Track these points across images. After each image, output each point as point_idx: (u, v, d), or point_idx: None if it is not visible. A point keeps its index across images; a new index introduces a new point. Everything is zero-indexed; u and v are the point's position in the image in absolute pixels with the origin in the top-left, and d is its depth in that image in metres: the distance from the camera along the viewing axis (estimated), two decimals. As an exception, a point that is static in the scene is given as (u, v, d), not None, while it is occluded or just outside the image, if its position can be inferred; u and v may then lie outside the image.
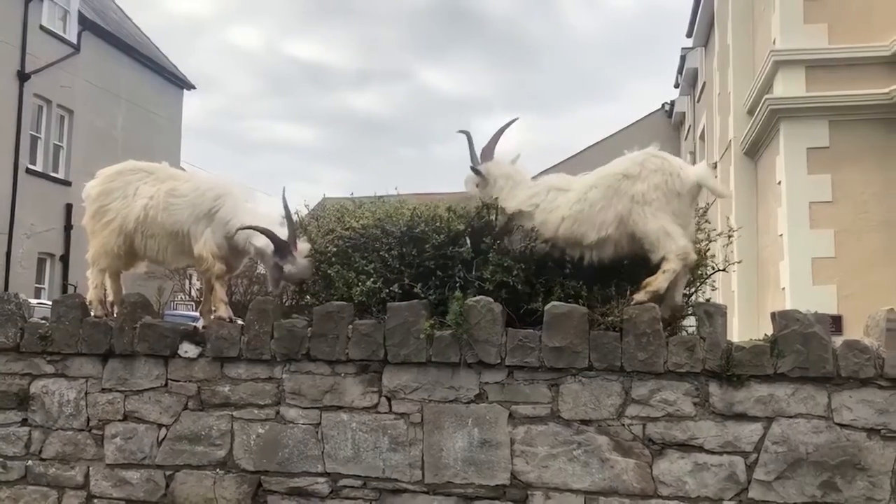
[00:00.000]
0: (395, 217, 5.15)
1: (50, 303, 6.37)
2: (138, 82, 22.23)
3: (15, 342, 5.27)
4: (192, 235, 5.20)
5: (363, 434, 4.78)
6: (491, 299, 4.65)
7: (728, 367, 4.41)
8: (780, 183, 9.97)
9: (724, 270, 5.63)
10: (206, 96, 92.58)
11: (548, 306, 4.59)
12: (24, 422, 5.24)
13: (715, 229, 5.69)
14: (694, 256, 4.70)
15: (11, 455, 5.22)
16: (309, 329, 4.88)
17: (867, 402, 4.33)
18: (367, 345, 4.78)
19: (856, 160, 9.42)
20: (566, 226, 4.78)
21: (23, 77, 18.00)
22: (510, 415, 4.63)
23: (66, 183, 19.12)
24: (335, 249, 5.11)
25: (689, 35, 17.74)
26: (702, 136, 17.56)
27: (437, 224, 4.99)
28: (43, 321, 5.40)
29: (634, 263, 4.81)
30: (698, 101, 18.46)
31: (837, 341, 4.46)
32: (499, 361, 4.62)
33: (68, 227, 18.95)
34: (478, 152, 5.22)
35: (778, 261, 10.12)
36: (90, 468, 5.12)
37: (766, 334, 4.59)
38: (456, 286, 4.79)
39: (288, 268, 4.94)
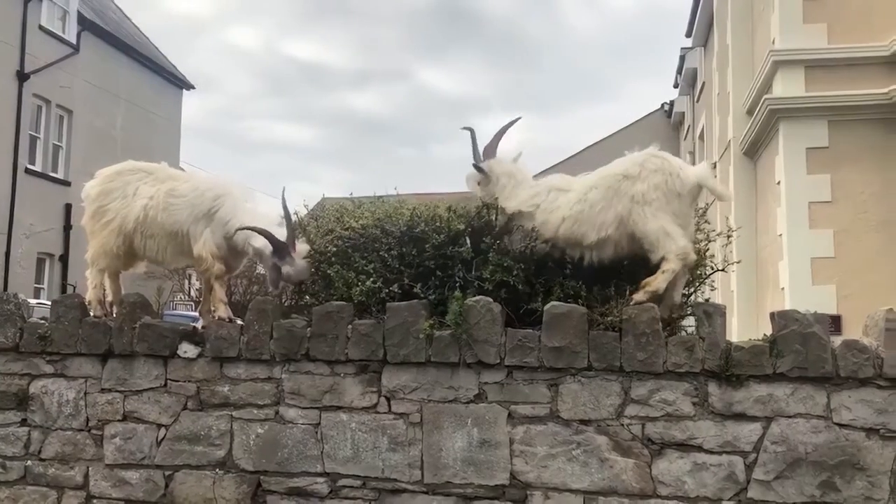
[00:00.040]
0: (395, 217, 5.15)
1: (49, 303, 6.36)
2: (137, 82, 22.23)
3: (14, 342, 5.26)
4: (192, 235, 5.19)
5: (362, 434, 4.78)
6: (490, 299, 4.65)
7: (727, 367, 4.41)
8: (779, 183, 9.97)
9: (723, 270, 5.64)
10: (206, 96, 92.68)
11: (547, 306, 4.59)
12: (24, 422, 5.24)
13: (714, 229, 5.69)
14: (693, 257, 4.71)
15: (11, 455, 5.22)
16: (308, 329, 4.88)
17: (866, 401, 4.34)
18: (367, 345, 4.78)
19: (855, 160, 9.43)
20: (566, 226, 4.79)
21: (22, 77, 17.99)
22: (509, 415, 4.63)
23: (66, 183, 19.12)
24: (335, 249, 5.11)
25: (688, 35, 17.74)
26: (701, 136, 17.57)
27: (437, 224, 4.99)
28: (42, 321, 5.39)
29: (634, 263, 4.81)
30: (697, 101, 18.46)
31: (836, 341, 4.46)
32: (498, 361, 4.63)
33: (67, 227, 18.95)
34: (480, 151, 5.22)
35: (777, 261, 10.12)
36: (89, 468, 5.12)
37: (765, 334, 4.59)
38: (455, 286, 4.79)
39: (286, 269, 4.94)
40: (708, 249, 5.28)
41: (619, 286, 4.71)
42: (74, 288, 16.74)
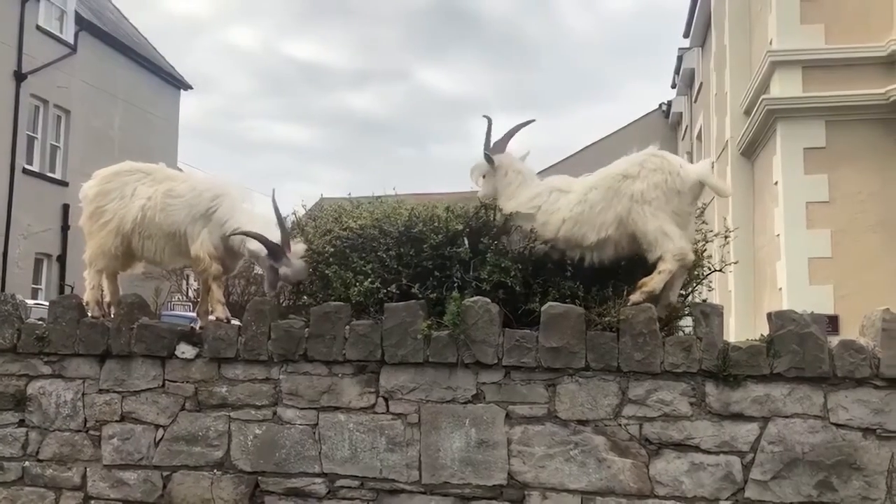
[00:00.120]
0: (393, 217, 5.15)
1: (47, 303, 6.36)
2: (135, 82, 22.22)
3: (12, 343, 5.26)
4: (189, 236, 5.20)
5: (360, 434, 4.78)
6: (488, 300, 4.65)
7: (724, 368, 4.42)
8: (776, 183, 9.99)
9: (720, 271, 5.64)
10: (204, 96, 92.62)
11: (545, 307, 4.60)
12: (21, 423, 5.24)
13: (712, 230, 5.70)
14: (692, 257, 4.71)
15: (8, 456, 5.21)
16: (306, 330, 4.88)
17: (863, 401, 4.35)
18: (365, 345, 4.78)
19: (852, 160, 9.45)
20: (567, 227, 4.78)
21: (19, 77, 17.97)
22: (507, 415, 4.63)
23: (63, 183, 19.10)
24: (333, 250, 5.11)
25: (686, 35, 17.76)
26: (699, 137, 17.58)
27: (435, 224, 4.99)
28: (40, 322, 5.39)
29: (631, 264, 4.82)
30: (695, 101, 18.48)
31: (833, 341, 4.47)
32: (496, 362, 4.63)
33: (65, 228, 18.94)
34: (490, 145, 5.18)
35: (775, 261, 10.14)
36: (87, 469, 5.11)
37: (762, 334, 4.60)
38: (453, 286, 4.79)
39: (283, 270, 4.95)
40: (705, 250, 5.28)
41: (616, 287, 4.72)
42: (72, 288, 16.73)
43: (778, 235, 9.92)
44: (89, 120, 20.29)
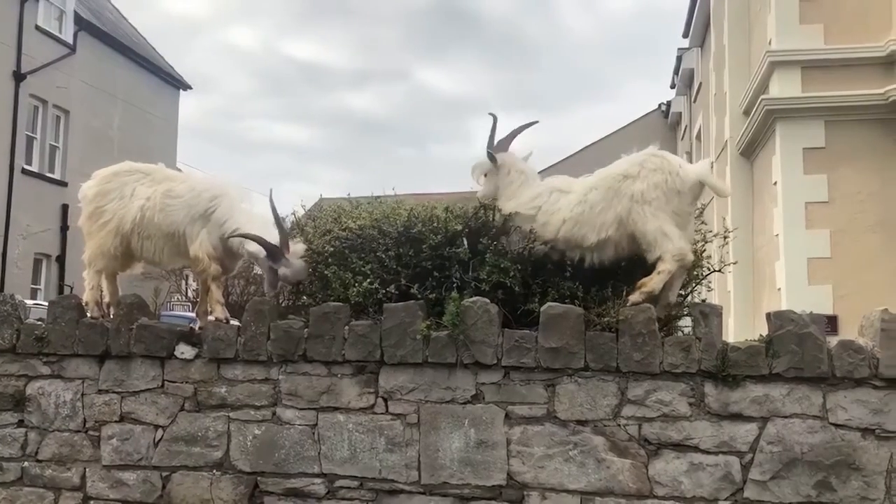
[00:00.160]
0: (392, 217, 5.15)
1: (46, 304, 6.36)
2: (134, 83, 22.21)
3: (11, 343, 5.26)
4: (188, 236, 5.20)
5: (360, 435, 4.78)
6: (487, 300, 4.65)
7: (723, 368, 4.42)
8: (776, 183, 9.99)
9: (719, 271, 5.64)
10: (204, 96, 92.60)
11: (544, 307, 4.60)
12: (21, 423, 5.24)
13: (711, 230, 5.70)
14: (691, 258, 4.71)
15: (7, 456, 5.21)
16: (305, 330, 4.88)
17: (862, 402, 4.35)
18: (364, 346, 4.78)
19: (852, 160, 9.46)
20: (567, 228, 4.78)
21: (19, 77, 17.97)
22: (506, 415, 4.64)
23: (63, 183, 19.10)
24: (332, 250, 5.11)
25: (685, 35, 17.77)
26: (698, 137, 17.59)
27: (434, 224, 4.99)
28: (39, 322, 5.39)
29: (631, 264, 4.82)
30: (695, 101, 18.48)
31: (832, 341, 4.47)
32: (495, 362, 4.63)
33: (65, 228, 18.93)
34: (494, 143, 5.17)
35: (774, 261, 10.15)
36: (87, 469, 5.11)
37: (761, 335, 4.60)
38: (453, 287, 4.79)
39: (282, 270, 4.95)
40: (704, 250, 5.29)
41: (616, 287, 4.72)
42: (71, 289, 16.73)
43: (777, 235, 9.92)
44: (88, 120, 20.29)
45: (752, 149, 11.59)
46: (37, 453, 5.19)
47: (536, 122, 5.42)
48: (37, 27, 18.60)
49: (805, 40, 9.75)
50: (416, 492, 4.70)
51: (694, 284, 5.22)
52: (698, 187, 4.71)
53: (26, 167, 18.40)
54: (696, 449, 4.44)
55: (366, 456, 4.76)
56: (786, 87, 9.87)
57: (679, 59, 19.69)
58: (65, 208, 18.75)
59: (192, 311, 7.22)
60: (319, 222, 5.56)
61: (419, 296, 4.81)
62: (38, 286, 18.78)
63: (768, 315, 4.59)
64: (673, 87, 21.49)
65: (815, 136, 9.63)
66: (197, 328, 5.28)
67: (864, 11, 9.66)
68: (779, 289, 9.80)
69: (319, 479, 4.82)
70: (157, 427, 5.05)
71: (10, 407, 5.25)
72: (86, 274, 5.51)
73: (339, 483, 4.80)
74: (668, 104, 22.04)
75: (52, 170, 19.43)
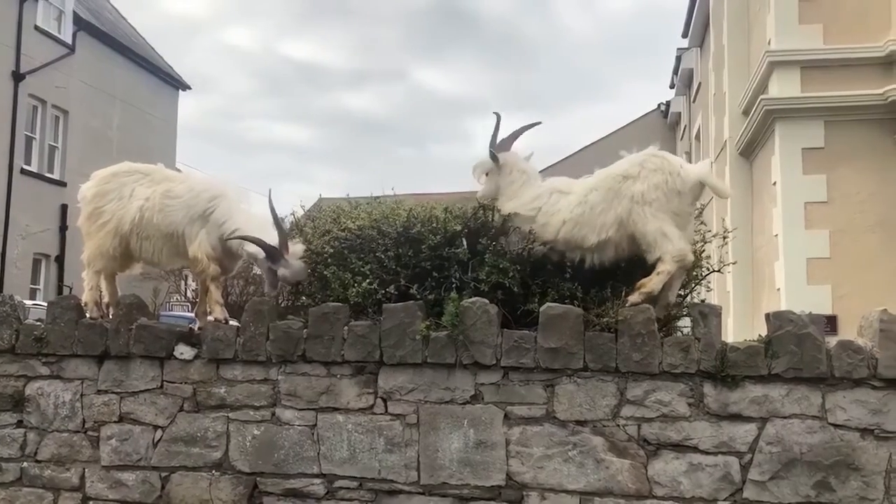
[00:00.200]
0: (392, 218, 5.15)
1: (45, 304, 6.35)
2: (133, 83, 22.21)
3: (10, 344, 5.26)
4: (187, 237, 5.19)
5: (359, 435, 4.78)
6: (487, 301, 4.65)
7: (723, 368, 4.42)
8: (775, 183, 10.00)
9: (718, 271, 5.64)
10: (203, 97, 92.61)
11: (543, 307, 4.60)
12: (20, 423, 5.23)
13: (710, 230, 5.70)
14: (691, 258, 4.71)
15: (7, 457, 5.21)
16: (305, 330, 4.88)
17: (861, 402, 4.35)
18: (363, 346, 4.78)
19: (851, 160, 9.46)
20: (567, 229, 4.77)
21: (17, 77, 17.97)
22: (506, 416, 4.63)
23: (62, 183, 19.10)
24: (331, 250, 5.11)
25: (684, 35, 17.78)
26: (697, 137, 17.59)
27: (434, 225, 4.98)
28: (38, 323, 5.39)
29: (630, 265, 4.82)
30: (694, 101, 18.49)
31: (831, 342, 4.47)
32: (494, 362, 4.63)
33: (64, 228, 18.93)
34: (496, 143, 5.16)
35: (773, 261, 10.15)
36: (86, 470, 5.11)
37: (760, 335, 4.60)
38: (452, 287, 4.79)
39: (282, 271, 4.94)
40: (704, 250, 5.29)
41: (615, 287, 4.72)
42: (71, 289, 16.71)
43: (776, 236, 9.93)
44: (87, 120, 20.29)
45: (751, 149, 11.59)
46: (36, 454, 5.19)
47: (539, 122, 5.41)
48: (36, 27, 18.60)
49: (804, 40, 9.76)
50: (415, 492, 4.69)
51: (693, 285, 5.22)
52: (699, 188, 4.71)
53: (25, 167, 18.40)
54: (695, 449, 4.44)
55: (365, 456, 4.76)
56: (785, 87, 9.87)
57: (678, 59, 19.70)
58: (64, 208, 18.75)
59: (191, 312, 7.22)
60: (318, 223, 5.56)
61: (418, 296, 4.81)
62: (37, 286, 18.78)
63: (767, 315, 4.59)
64: (672, 87, 21.50)
65: (815, 137, 9.64)
66: (196, 328, 5.28)
67: (863, 11, 9.66)
68: (778, 289, 9.80)
69: (319, 480, 4.82)
70: (156, 427, 5.05)
71: (9, 407, 5.24)
72: (85, 274, 5.51)
73: (338, 483, 4.79)
74: (668, 104, 22.04)
75: (51, 170, 19.43)
